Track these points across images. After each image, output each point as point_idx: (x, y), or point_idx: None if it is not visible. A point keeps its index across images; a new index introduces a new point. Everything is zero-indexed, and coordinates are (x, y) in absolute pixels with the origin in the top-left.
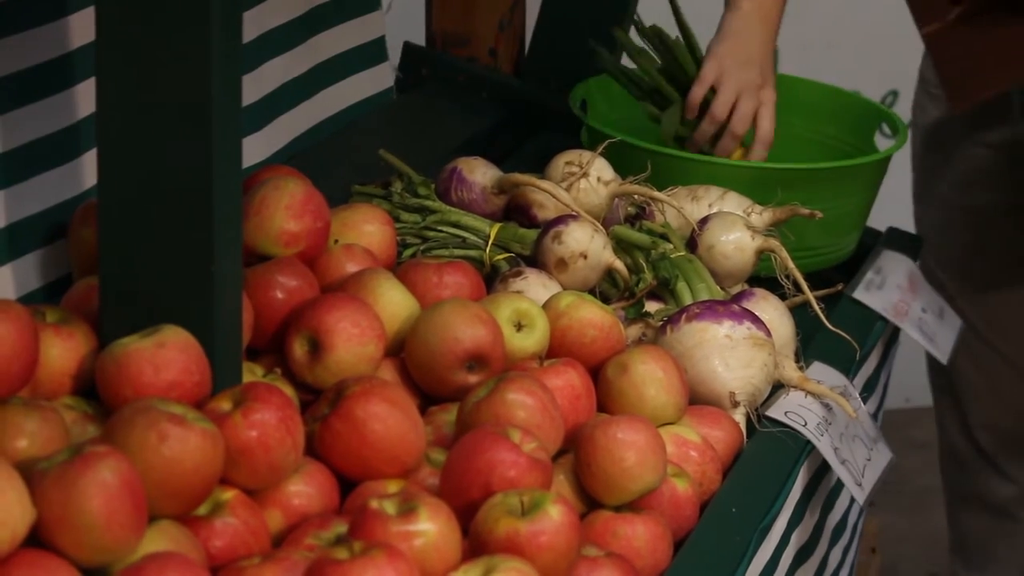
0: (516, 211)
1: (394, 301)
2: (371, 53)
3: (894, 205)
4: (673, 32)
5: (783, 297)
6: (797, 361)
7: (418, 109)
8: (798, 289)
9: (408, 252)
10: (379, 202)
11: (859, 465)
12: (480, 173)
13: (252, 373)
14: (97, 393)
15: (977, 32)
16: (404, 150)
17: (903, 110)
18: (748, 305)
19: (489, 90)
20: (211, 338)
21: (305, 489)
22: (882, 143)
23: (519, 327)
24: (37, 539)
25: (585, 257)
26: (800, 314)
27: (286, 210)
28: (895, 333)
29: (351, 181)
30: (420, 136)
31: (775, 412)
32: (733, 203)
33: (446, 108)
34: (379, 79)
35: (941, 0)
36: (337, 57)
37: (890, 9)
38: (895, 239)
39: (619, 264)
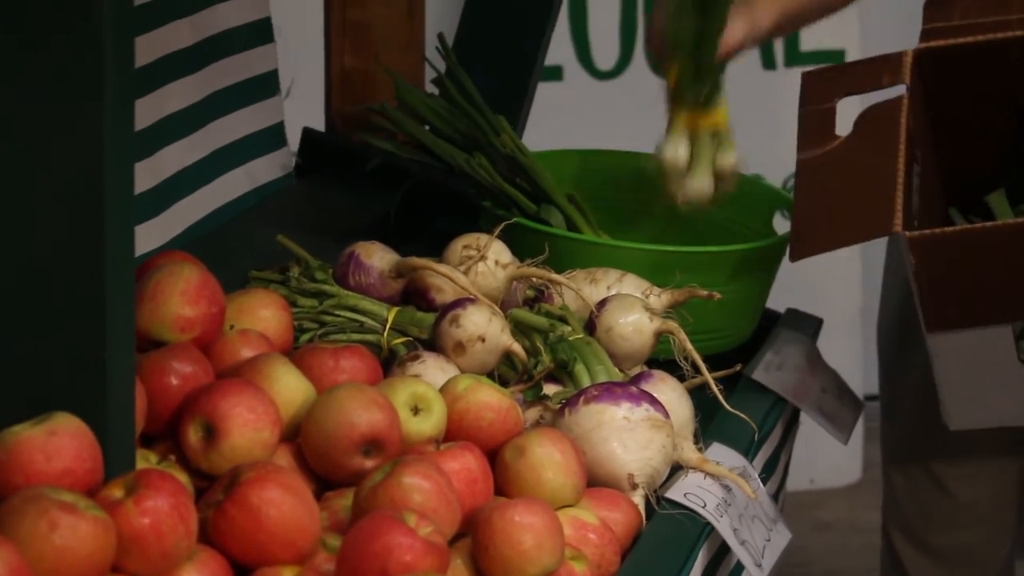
0: (414, 295)
1: (290, 386)
2: (270, 138)
3: (794, 286)
4: None
5: (682, 379)
6: (696, 442)
7: (318, 194)
8: (696, 371)
9: (305, 337)
10: (276, 287)
11: (759, 546)
12: (378, 257)
13: (146, 460)
14: None
15: (845, 175)
16: (303, 235)
17: None
18: (647, 387)
19: (389, 174)
20: (104, 425)
21: None
22: (782, 225)
23: (416, 411)
24: None
25: (483, 340)
26: (699, 395)
27: (181, 295)
28: (795, 414)
29: (249, 267)
30: (319, 221)
31: (674, 493)
32: (631, 285)
33: (346, 192)
34: (278, 164)
35: (827, 127)
36: (236, 143)
37: (791, 99)
38: (794, 320)
39: (517, 347)
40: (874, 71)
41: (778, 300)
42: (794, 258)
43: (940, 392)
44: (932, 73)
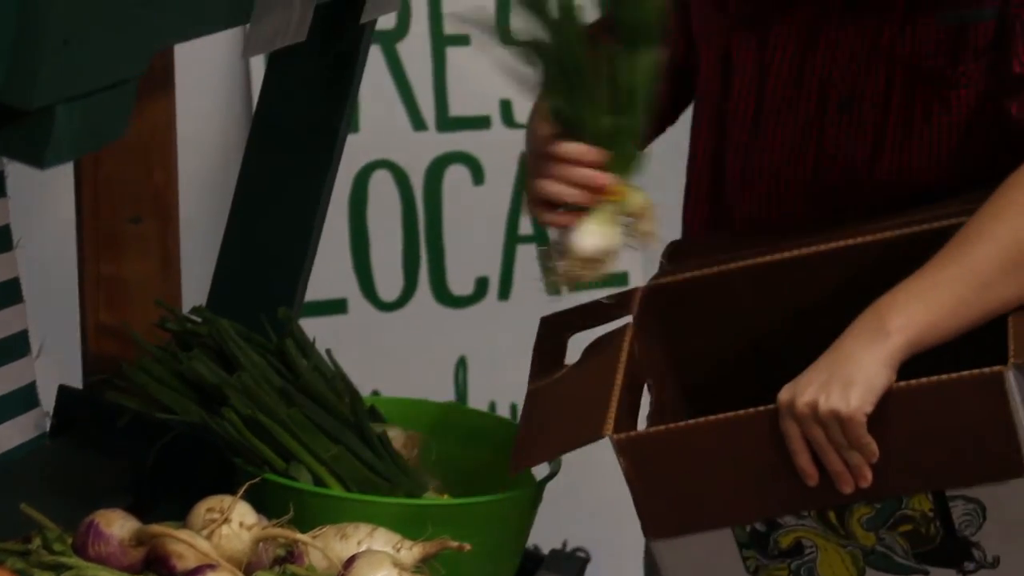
0: (155, 562)
1: None
2: (21, 400)
3: (558, 522)
4: None
5: None
6: None
7: (71, 455)
8: None
9: None
10: (15, 560)
11: None
12: (118, 526)
13: None
14: None
15: (565, 395)
16: (53, 499)
17: None
18: None
19: (146, 431)
20: None
21: None
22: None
23: None
24: None
25: None
26: None
27: None
28: None
29: None
30: (71, 484)
31: None
32: (382, 540)
33: (100, 452)
34: (31, 425)
35: (557, 360)
36: None
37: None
38: (557, 560)
39: None
40: (605, 308)
41: (544, 537)
42: (511, 472)
43: None
44: (666, 307)
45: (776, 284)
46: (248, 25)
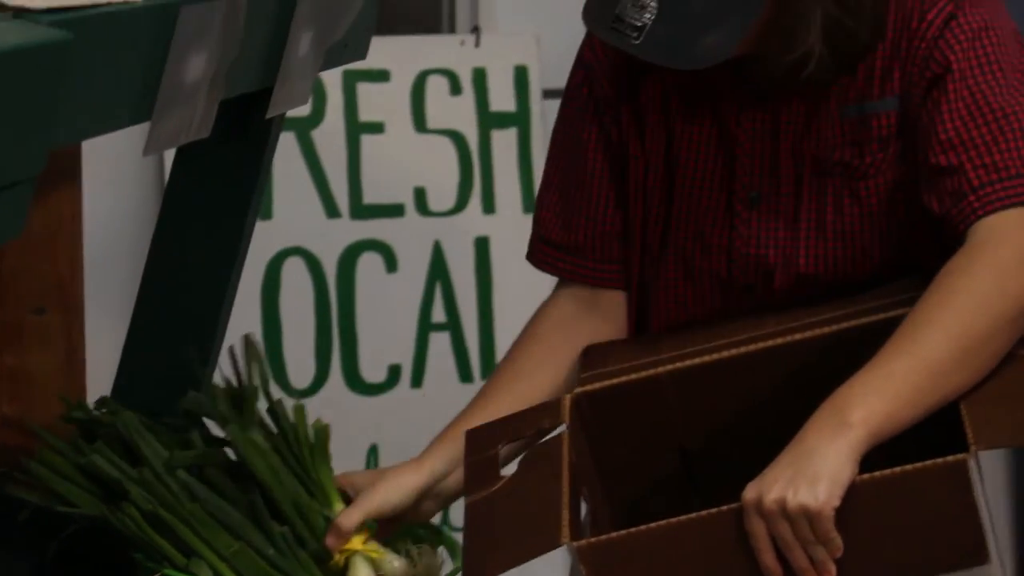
0: None
1: None
2: None
3: None
4: None
5: None
6: None
7: None
8: None
9: None
10: None
11: None
12: None
13: None
14: None
15: (511, 507)
16: None
17: None
18: None
19: (47, 526)
20: None
21: None
22: None
23: None
24: None
25: None
26: None
27: None
28: None
29: None
30: None
31: None
32: None
33: (1, 547)
34: None
35: (492, 471)
36: None
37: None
38: None
39: None
40: (534, 417)
41: None
42: None
43: None
44: (592, 414)
45: (700, 387)
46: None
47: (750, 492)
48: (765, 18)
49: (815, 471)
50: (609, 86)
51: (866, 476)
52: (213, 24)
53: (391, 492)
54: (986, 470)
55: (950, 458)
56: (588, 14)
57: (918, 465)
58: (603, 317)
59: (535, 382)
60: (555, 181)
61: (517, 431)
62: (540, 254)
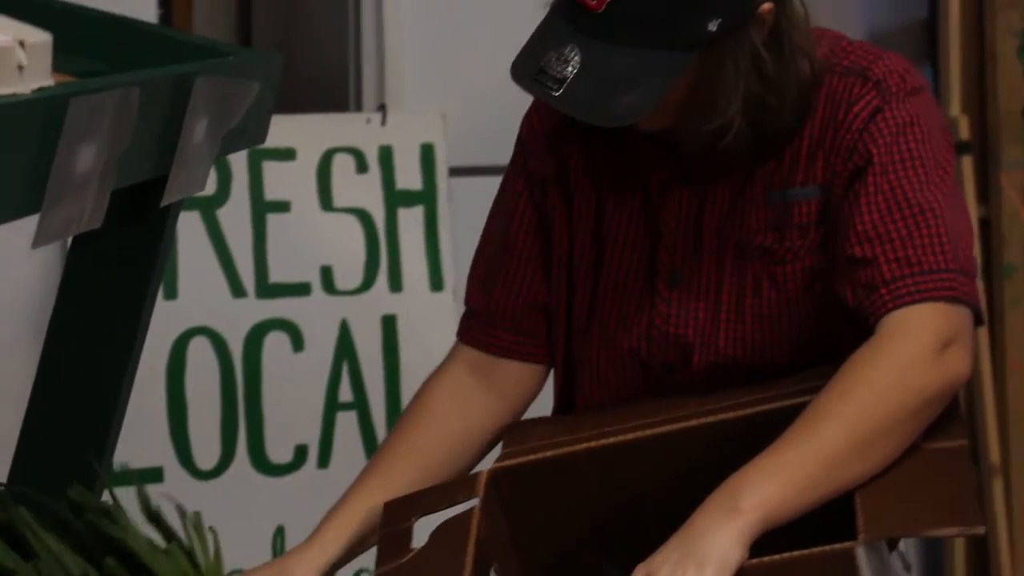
0: None
1: None
2: None
3: None
4: None
5: None
6: None
7: None
8: None
9: None
10: None
11: None
12: None
13: None
14: None
15: None
16: None
17: None
18: None
19: None
20: None
21: None
22: None
23: None
24: None
25: None
26: None
27: None
28: None
29: None
30: None
31: None
32: None
33: None
34: None
35: (404, 544)
36: None
37: None
38: None
39: None
40: (450, 491)
41: None
42: None
43: None
44: (509, 489)
45: (617, 466)
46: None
47: (639, 573)
48: (687, 86)
49: (703, 554)
50: (542, 160)
51: (755, 561)
52: (104, 115)
53: None
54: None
55: (837, 546)
56: (515, 67)
57: (806, 552)
58: (497, 392)
59: (433, 459)
60: (484, 248)
61: (433, 505)
62: (461, 322)
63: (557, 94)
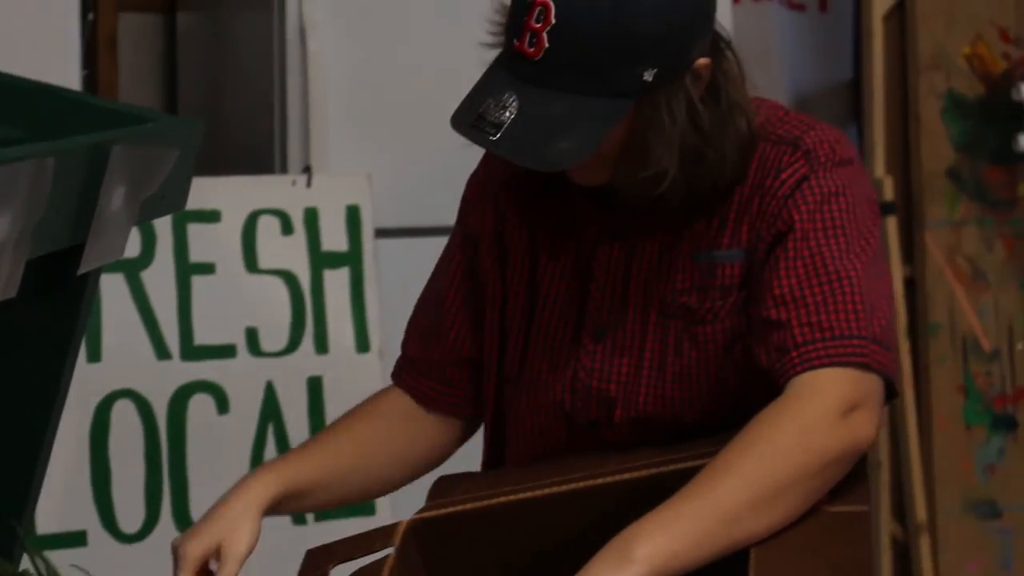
0: None
1: None
2: None
3: None
4: None
5: None
6: None
7: None
8: None
9: None
10: None
11: None
12: None
13: None
14: None
15: None
16: None
17: None
18: None
19: None
20: None
21: None
22: None
23: None
24: None
25: None
26: None
27: None
28: None
29: None
30: None
31: None
32: None
33: None
34: None
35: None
36: None
37: None
38: None
39: None
40: (369, 540)
41: None
42: None
43: None
44: (427, 539)
45: (535, 518)
46: None
47: None
48: (623, 135)
49: None
50: (482, 216)
51: None
52: (17, 185)
53: (247, 530)
54: None
55: None
56: (455, 116)
57: None
58: (415, 438)
59: (379, 461)
60: (424, 299)
61: (351, 552)
62: (396, 367)
63: (494, 138)
